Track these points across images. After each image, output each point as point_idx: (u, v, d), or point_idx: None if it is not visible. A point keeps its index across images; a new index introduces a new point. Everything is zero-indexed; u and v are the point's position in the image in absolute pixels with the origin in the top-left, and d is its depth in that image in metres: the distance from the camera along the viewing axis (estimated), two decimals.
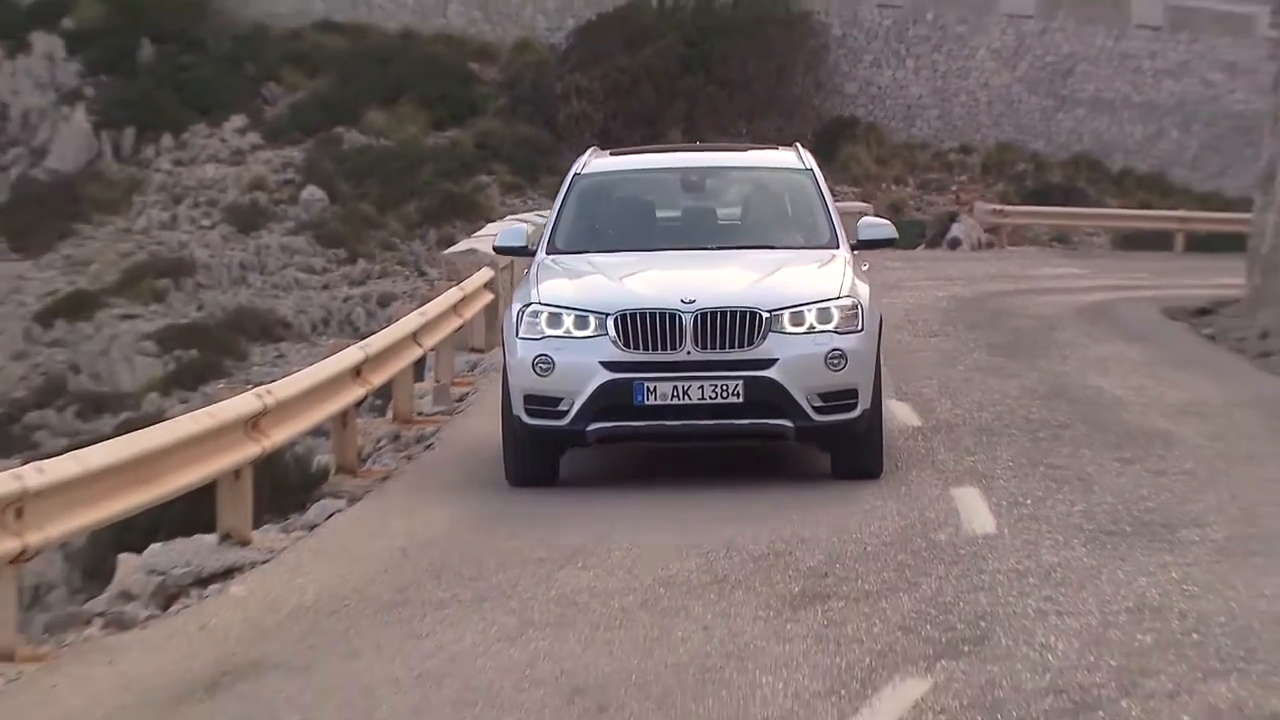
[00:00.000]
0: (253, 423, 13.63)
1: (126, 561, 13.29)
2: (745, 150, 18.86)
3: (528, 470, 14.62)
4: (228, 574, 12.67)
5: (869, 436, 14.43)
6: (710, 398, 13.91)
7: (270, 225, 50.56)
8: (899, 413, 17.92)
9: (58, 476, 11.14)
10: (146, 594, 12.36)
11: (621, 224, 16.22)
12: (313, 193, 51.24)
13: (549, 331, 14.19)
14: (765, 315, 14.03)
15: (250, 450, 13.48)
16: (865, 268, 15.56)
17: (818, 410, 14.00)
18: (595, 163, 16.62)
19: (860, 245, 15.61)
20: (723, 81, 51.20)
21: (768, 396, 13.96)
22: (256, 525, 14.03)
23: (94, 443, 12.53)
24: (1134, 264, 41.62)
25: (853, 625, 10.15)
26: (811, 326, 14.14)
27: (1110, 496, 13.83)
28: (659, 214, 16.55)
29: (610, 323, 14.04)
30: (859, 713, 8.52)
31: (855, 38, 53.62)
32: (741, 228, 16.39)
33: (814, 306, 14.22)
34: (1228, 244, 38.82)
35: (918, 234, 47.66)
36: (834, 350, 14.04)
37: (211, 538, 13.59)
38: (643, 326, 14.00)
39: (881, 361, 15.20)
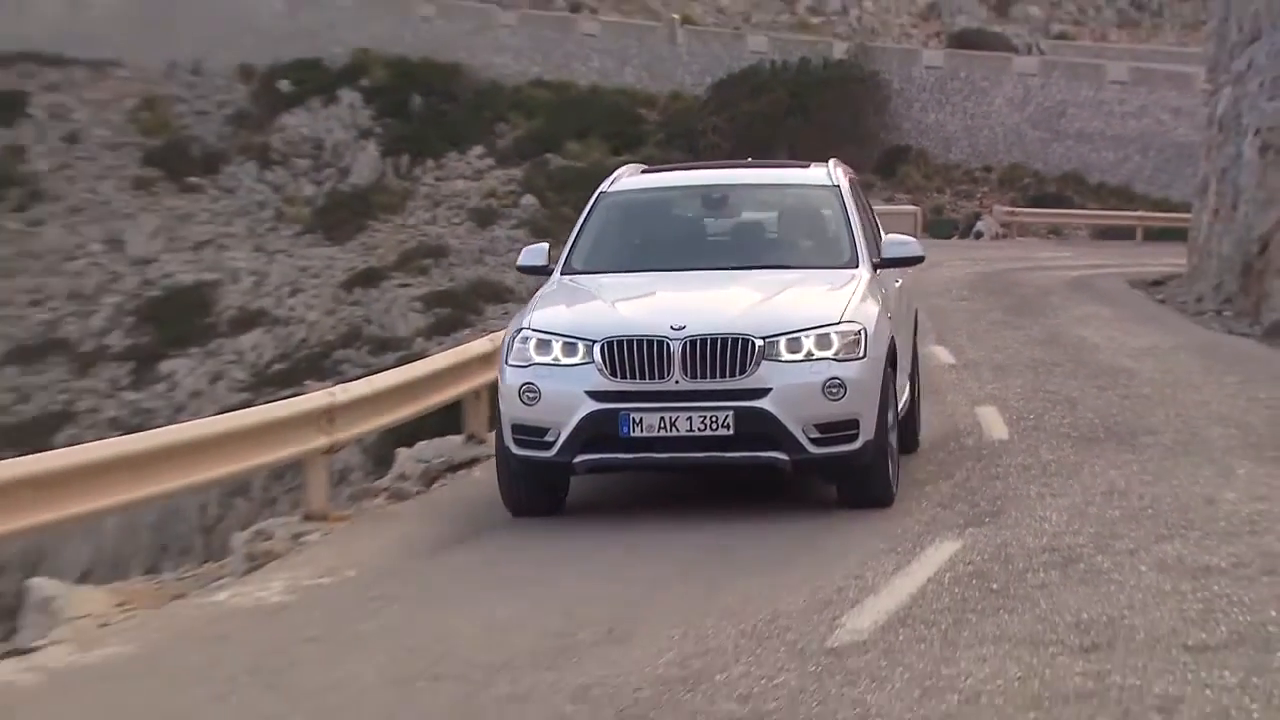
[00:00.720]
0: (487, 358, 13.72)
1: (402, 453, 13.44)
2: (774, 167, 13.06)
3: (522, 502, 10.15)
4: (471, 463, 12.78)
5: (874, 467, 9.86)
6: (699, 430, 9.47)
7: (500, 222, 50.79)
8: (939, 354, 17.79)
9: (356, 394, 11.28)
10: (416, 476, 12.49)
11: (639, 243, 11.38)
12: (529, 200, 51.41)
13: (536, 359, 9.75)
14: (758, 342, 9.53)
15: (486, 377, 13.57)
16: (898, 284, 11.53)
17: (815, 442, 9.53)
18: (624, 181, 11.94)
19: (884, 264, 10.99)
20: (815, 122, 50.83)
21: (760, 428, 9.49)
22: (490, 429, 14.13)
23: (380, 372, 12.67)
24: (1107, 250, 41.01)
25: (906, 503, 10.07)
26: (810, 353, 9.62)
27: (1090, 413, 13.64)
28: (677, 233, 11.60)
29: (596, 350, 9.59)
30: (910, 563, 8.46)
31: (909, 90, 53.10)
32: (759, 246, 11.41)
33: (812, 332, 9.66)
34: (1174, 235, 38.11)
35: (952, 228, 47.44)
36: (832, 379, 9.56)
37: (459, 438, 13.71)
38: (629, 354, 9.54)
39: (917, 372, 11.87)
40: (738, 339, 9.55)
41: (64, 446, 9.41)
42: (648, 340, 9.56)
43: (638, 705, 6.22)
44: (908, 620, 7.29)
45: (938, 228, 46.47)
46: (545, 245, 11.32)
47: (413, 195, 52.76)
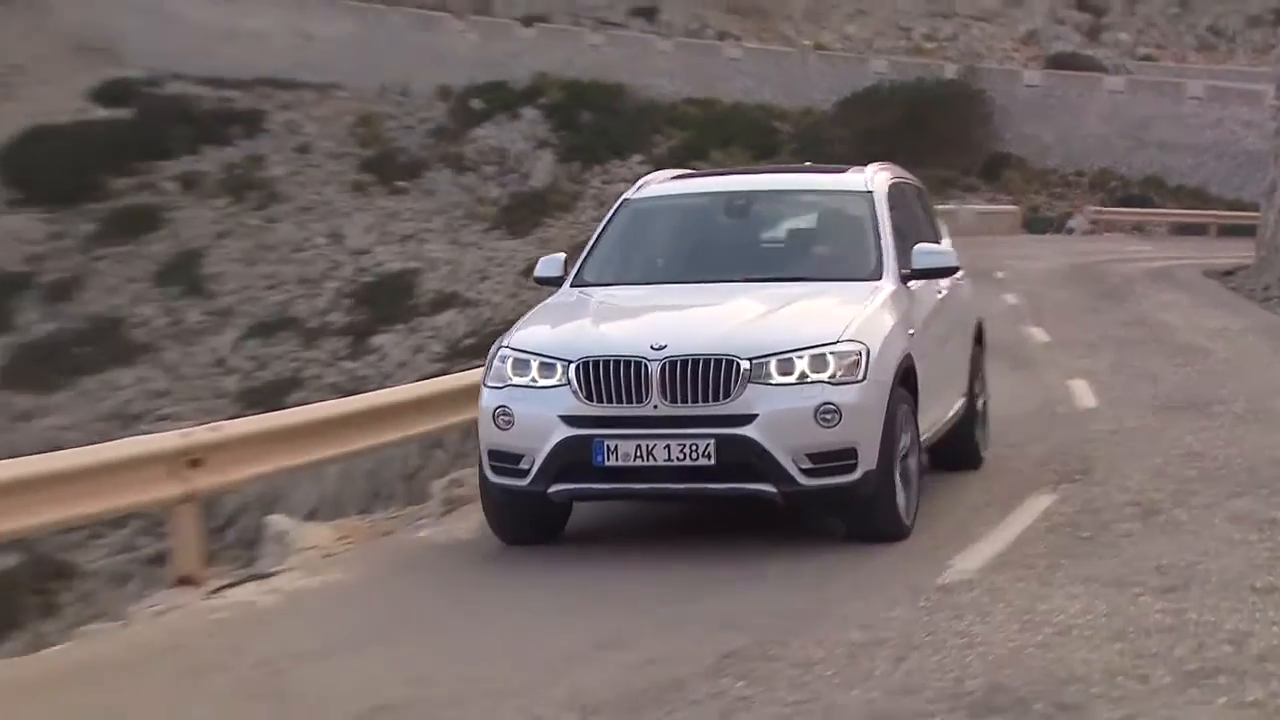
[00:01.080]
0: None
1: None
2: (807, 172, 10.23)
3: (507, 531, 8.16)
4: None
5: (878, 499, 7.61)
6: (678, 459, 7.35)
7: None
8: (1036, 334, 17.48)
9: None
10: None
11: (652, 253, 9.06)
12: None
13: (513, 379, 7.72)
14: (743, 364, 7.37)
15: None
16: (940, 295, 9.08)
17: (807, 473, 7.38)
18: (649, 188, 9.44)
19: (914, 275, 8.54)
20: (929, 134, 50.12)
21: (744, 457, 7.35)
22: None
23: None
24: (1184, 244, 39.83)
25: (1008, 462, 9.92)
26: (803, 375, 7.42)
27: (1169, 386, 13.32)
28: (694, 242, 9.07)
29: (571, 371, 7.52)
30: (1009, 515, 8.33)
31: (1011, 105, 52.09)
32: (777, 256, 8.93)
33: (806, 353, 7.45)
34: (1243, 231, 36.97)
35: (1048, 224, 46.75)
36: (826, 404, 7.36)
37: None
38: (605, 376, 7.46)
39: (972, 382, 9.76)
40: (720, 360, 7.39)
41: (294, 406, 9.62)
42: (624, 361, 7.45)
43: (772, 630, 6.22)
44: (1008, 563, 7.18)
45: (1035, 224, 46.20)
46: (562, 256, 9.07)
47: (582, 196, 53.03)
